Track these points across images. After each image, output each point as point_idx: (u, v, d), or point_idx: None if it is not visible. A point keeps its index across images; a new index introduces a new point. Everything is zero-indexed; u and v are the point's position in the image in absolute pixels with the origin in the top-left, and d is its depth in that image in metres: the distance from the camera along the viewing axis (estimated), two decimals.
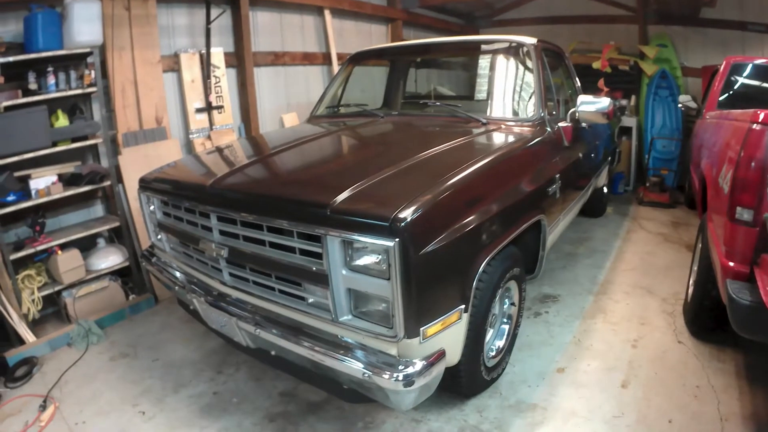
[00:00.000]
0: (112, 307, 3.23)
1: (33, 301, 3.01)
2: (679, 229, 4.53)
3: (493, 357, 2.29)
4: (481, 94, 2.92)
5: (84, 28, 2.99)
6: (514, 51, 2.90)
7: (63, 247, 3.11)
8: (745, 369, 2.38)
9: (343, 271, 1.64)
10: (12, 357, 2.76)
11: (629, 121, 5.83)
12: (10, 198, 2.90)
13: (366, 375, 1.59)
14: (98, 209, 3.56)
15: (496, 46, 2.99)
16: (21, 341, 2.89)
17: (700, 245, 2.71)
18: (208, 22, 3.66)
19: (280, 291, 1.88)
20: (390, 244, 1.49)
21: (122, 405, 2.39)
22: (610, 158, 4.57)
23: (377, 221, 1.52)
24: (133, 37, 3.35)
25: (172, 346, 2.89)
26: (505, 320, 2.42)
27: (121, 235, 3.43)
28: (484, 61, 3.03)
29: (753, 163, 1.90)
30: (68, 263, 3.09)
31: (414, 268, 1.53)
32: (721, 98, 3.94)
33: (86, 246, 3.32)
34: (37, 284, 3.06)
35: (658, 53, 5.87)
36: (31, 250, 2.98)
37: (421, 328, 1.62)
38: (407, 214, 1.52)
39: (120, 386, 2.54)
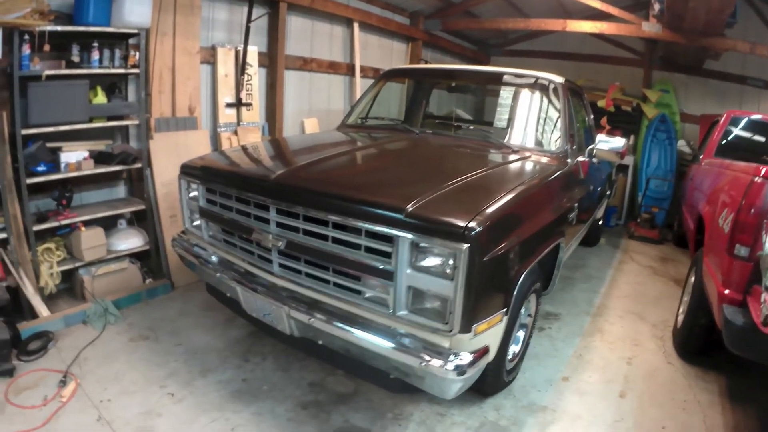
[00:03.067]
0: (128, 289, 3.42)
1: (51, 275, 3.15)
2: (666, 264, 5.10)
3: (511, 360, 2.68)
4: (511, 122, 3.31)
5: (135, 9, 3.19)
6: (543, 86, 3.34)
7: (86, 224, 3.29)
8: (727, 389, 2.87)
9: (408, 270, 1.96)
10: (25, 330, 2.86)
11: (627, 159, 6.42)
12: (41, 168, 3.05)
13: (423, 364, 1.92)
14: (120, 190, 3.76)
15: (526, 80, 3.41)
16: (34, 315, 2.99)
17: (693, 278, 3.20)
18: (249, 20, 3.93)
19: (335, 284, 2.17)
20: (462, 248, 1.83)
21: (148, 386, 2.56)
22: (608, 192, 5.11)
23: (452, 228, 1.87)
24: (176, 24, 3.59)
25: (194, 332, 3.10)
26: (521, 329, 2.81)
27: (143, 219, 3.62)
28: (514, 93, 3.43)
29: (752, 210, 2.38)
30: (91, 241, 3.27)
31: (477, 272, 1.88)
32: (718, 147, 4.52)
33: (106, 226, 3.48)
34: (57, 258, 3.20)
35: (659, 98, 6.50)
36: (55, 224, 3.13)
37: (474, 325, 1.97)
38: (477, 224, 1.87)
39: (143, 367, 2.71)
